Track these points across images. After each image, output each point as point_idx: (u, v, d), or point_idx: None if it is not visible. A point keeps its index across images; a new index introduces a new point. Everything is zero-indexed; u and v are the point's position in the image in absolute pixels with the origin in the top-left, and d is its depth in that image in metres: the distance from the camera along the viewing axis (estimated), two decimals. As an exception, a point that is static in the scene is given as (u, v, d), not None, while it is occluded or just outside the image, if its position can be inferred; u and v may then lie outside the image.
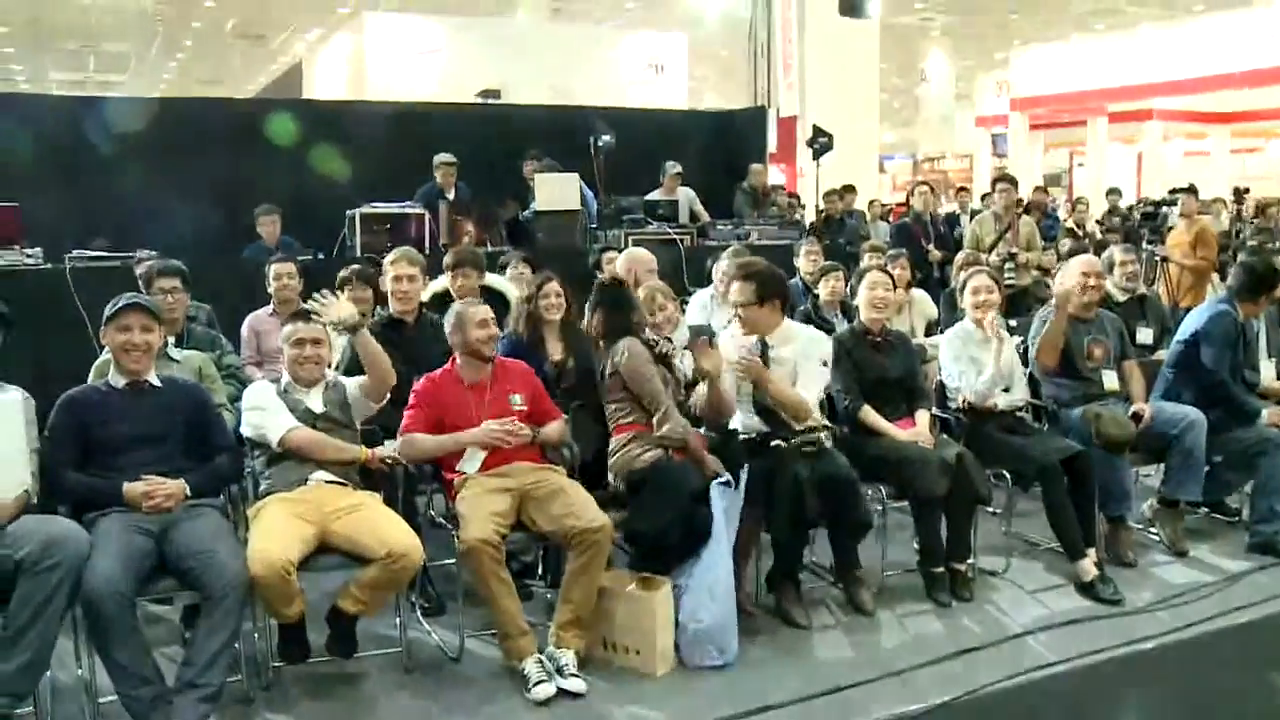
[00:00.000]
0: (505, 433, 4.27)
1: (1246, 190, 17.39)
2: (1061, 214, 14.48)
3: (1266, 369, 5.72)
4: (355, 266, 5.91)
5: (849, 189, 12.76)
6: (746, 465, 4.30)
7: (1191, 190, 9.99)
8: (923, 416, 4.98)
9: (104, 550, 3.52)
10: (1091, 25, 25.06)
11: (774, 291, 4.74)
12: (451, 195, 8.85)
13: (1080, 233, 12.05)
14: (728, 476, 4.23)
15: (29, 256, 6.59)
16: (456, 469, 4.29)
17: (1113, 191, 14.93)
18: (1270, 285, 5.63)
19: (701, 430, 4.62)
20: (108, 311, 4.02)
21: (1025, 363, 5.55)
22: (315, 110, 13.04)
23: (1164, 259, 9.42)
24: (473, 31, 20.66)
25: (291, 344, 4.28)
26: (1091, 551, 4.88)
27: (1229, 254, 10.02)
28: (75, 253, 6.68)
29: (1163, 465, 5.41)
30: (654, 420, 4.46)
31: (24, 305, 6.04)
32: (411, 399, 4.39)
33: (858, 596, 4.58)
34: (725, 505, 4.15)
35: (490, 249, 7.81)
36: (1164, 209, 10.65)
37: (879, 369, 5.03)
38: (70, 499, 3.81)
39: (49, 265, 6.61)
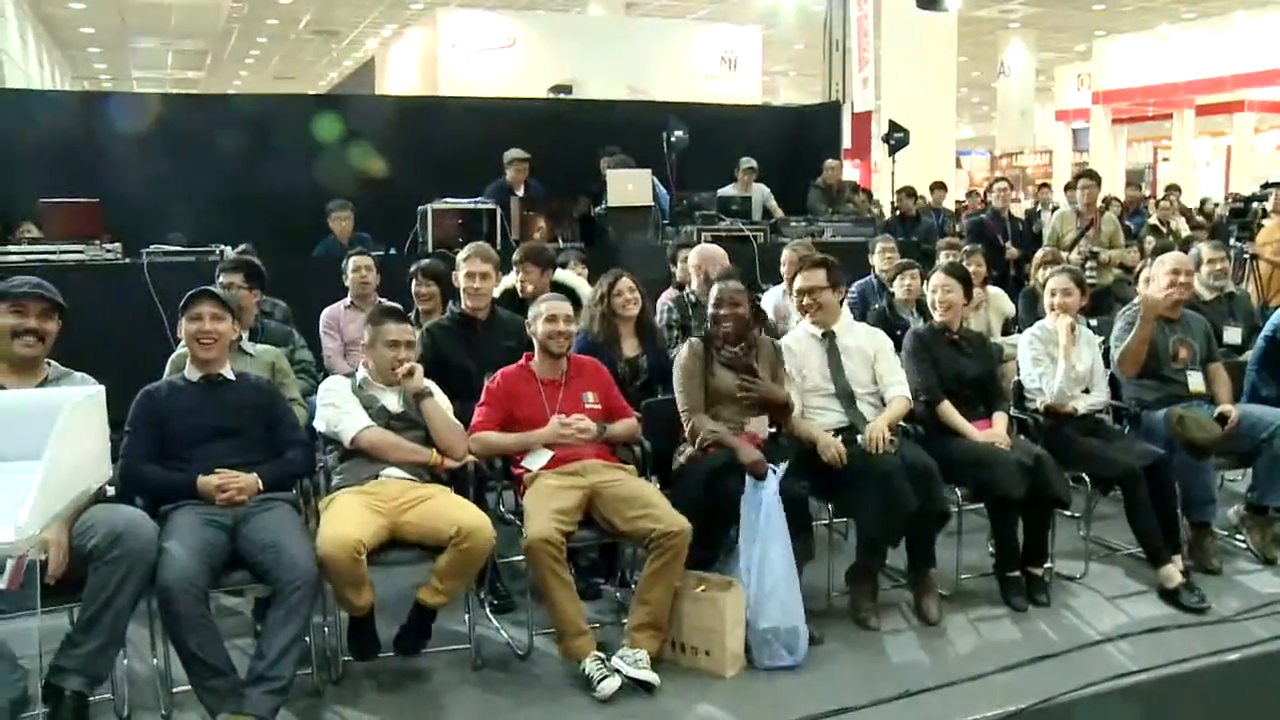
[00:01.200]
0: (572, 430, 4.25)
1: (1340, 185, 16.89)
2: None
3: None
4: (423, 263, 5.94)
5: (939, 185, 12.64)
6: (786, 461, 4.20)
7: (1281, 185, 9.69)
8: (1000, 418, 4.89)
9: (178, 543, 3.56)
10: (1180, 14, 24.48)
11: (840, 279, 4.82)
12: (522, 191, 8.85)
13: (1165, 230, 11.77)
14: (769, 467, 4.12)
15: (108, 251, 6.71)
16: (521, 464, 4.29)
17: (1172, 188, 14.50)
18: None
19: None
20: (182, 302, 4.08)
21: (1106, 364, 5.42)
22: (388, 105, 13.13)
23: (1253, 256, 9.16)
24: (545, 26, 20.76)
25: (387, 343, 4.28)
26: (1177, 558, 4.75)
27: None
28: (153, 248, 6.78)
29: (1250, 470, 5.25)
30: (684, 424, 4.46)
31: (102, 299, 6.21)
32: (483, 396, 4.39)
33: (925, 605, 4.48)
34: (765, 500, 4.06)
35: (562, 245, 7.80)
36: (1254, 204, 10.35)
37: (956, 368, 4.96)
38: (147, 492, 3.86)
39: (128, 260, 6.72)
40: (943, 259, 7.46)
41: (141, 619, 3.58)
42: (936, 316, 5.09)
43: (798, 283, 4.79)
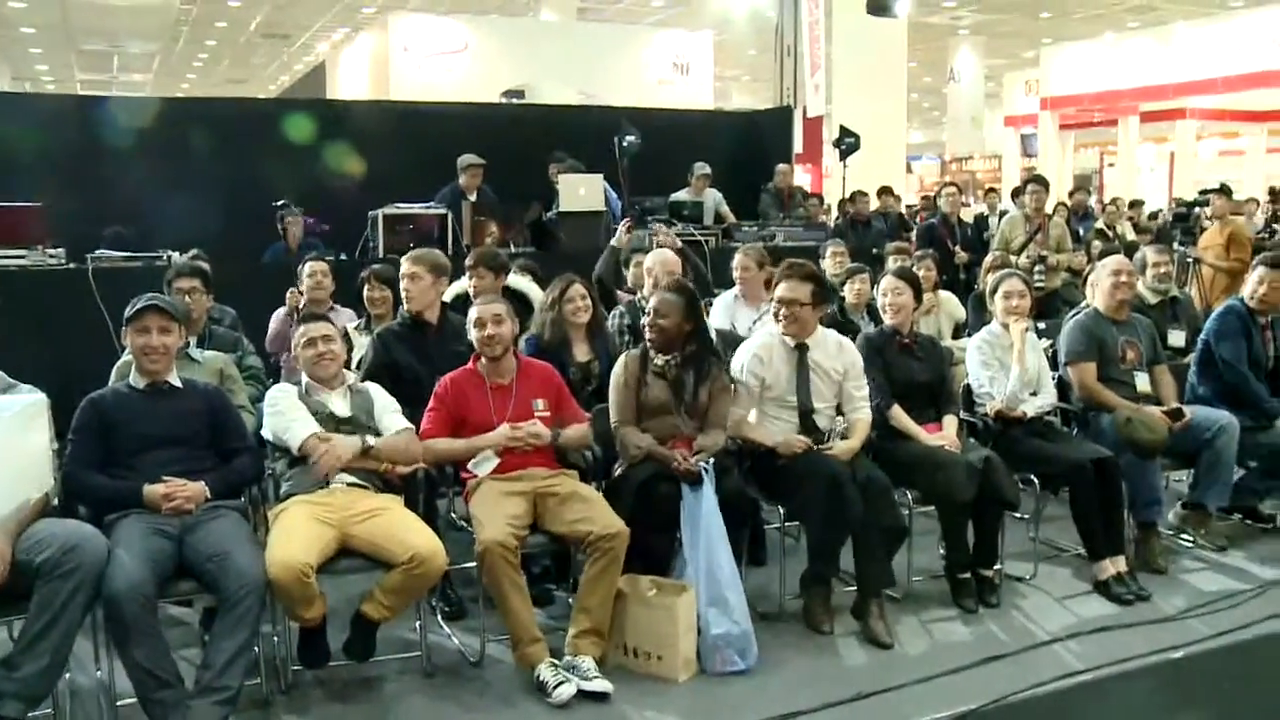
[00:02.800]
0: (524, 435, 4.24)
1: (1283, 190, 17.20)
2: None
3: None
4: (375, 267, 5.90)
5: (887, 190, 12.73)
6: (711, 463, 4.19)
7: (1224, 190, 9.85)
8: (950, 421, 4.94)
9: (125, 552, 3.51)
10: (1125, 23, 24.84)
11: (825, 299, 4.82)
12: (474, 197, 8.82)
13: (1111, 234, 11.93)
14: (700, 469, 4.13)
15: (51, 256, 6.60)
16: (469, 469, 4.28)
17: (1116, 200, 14.70)
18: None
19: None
20: (127, 313, 4.02)
21: (1054, 366, 5.49)
22: (338, 110, 13.04)
23: (1196, 260, 9.31)
24: (497, 31, 20.70)
25: (304, 345, 4.27)
26: (1120, 558, 4.82)
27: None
28: (98, 253, 6.68)
29: (1193, 470, 5.34)
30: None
31: (46, 305, 6.11)
32: (432, 401, 4.37)
33: (874, 629, 4.34)
34: (704, 506, 4.06)
35: (514, 250, 7.78)
36: (1196, 209, 10.52)
37: (908, 372, 4.99)
38: (91, 500, 3.81)
39: (72, 265, 6.61)
40: (891, 263, 7.54)
41: (85, 631, 3.51)
42: (887, 319, 5.11)
43: (780, 291, 4.70)
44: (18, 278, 6.36)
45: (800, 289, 4.66)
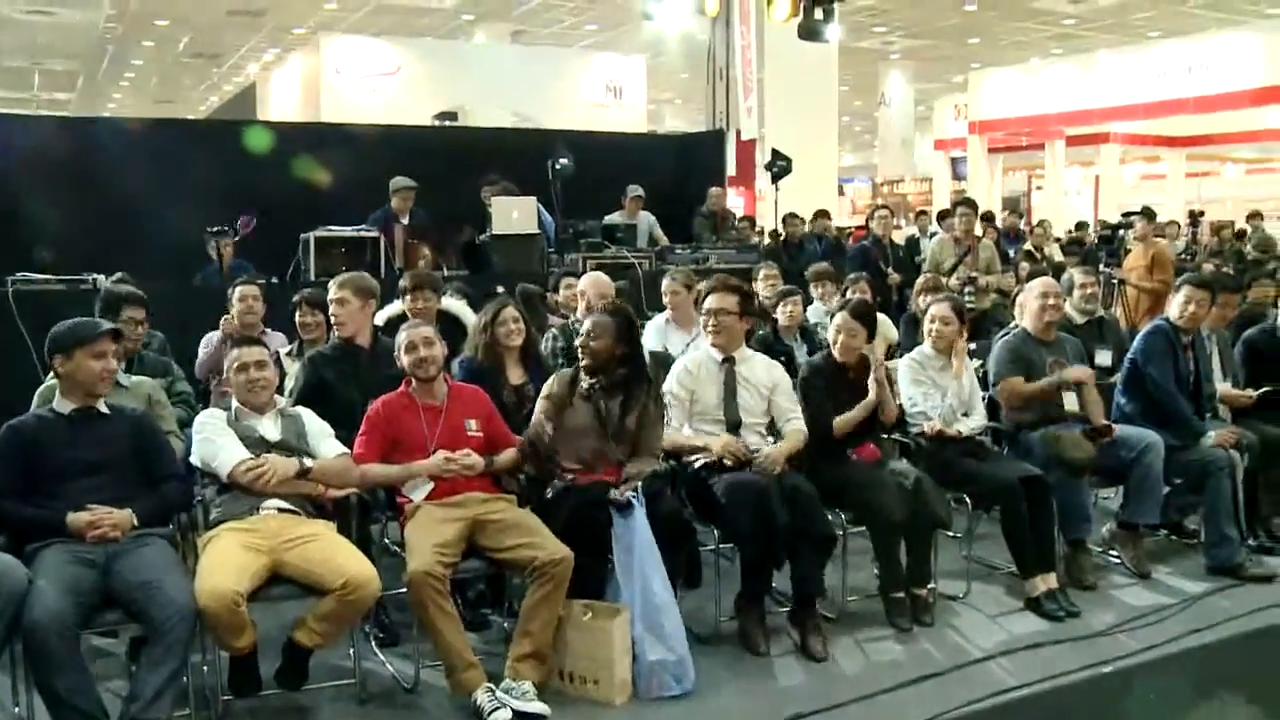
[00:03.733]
0: (459, 466, 4.21)
1: (1201, 213, 17.59)
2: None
3: (1221, 389, 5.78)
4: (307, 292, 5.84)
5: (822, 214, 12.83)
6: (639, 488, 4.18)
7: (1146, 213, 10.05)
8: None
9: (46, 581, 3.43)
10: (1049, 50, 25.36)
11: (749, 310, 4.91)
12: (407, 219, 8.76)
13: (1039, 256, 12.13)
14: (626, 498, 4.12)
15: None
16: (403, 494, 4.24)
17: (1043, 222, 14.91)
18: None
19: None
20: (74, 336, 3.90)
21: (984, 386, 5.55)
22: (270, 131, 12.89)
23: (1121, 281, 9.48)
24: (430, 53, 20.66)
25: (236, 369, 4.21)
26: (1051, 575, 4.88)
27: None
28: (19, 275, 6.53)
29: (1121, 488, 5.42)
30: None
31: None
32: (364, 424, 4.32)
33: (810, 643, 4.41)
34: (636, 531, 4.05)
35: (446, 273, 7.74)
36: (1121, 232, 10.71)
37: (849, 405, 4.96)
38: (13, 529, 3.71)
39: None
40: (814, 290, 7.54)
41: (4, 664, 3.43)
42: (836, 354, 5.06)
43: (708, 303, 4.84)
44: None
45: (727, 299, 4.80)
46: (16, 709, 3.56)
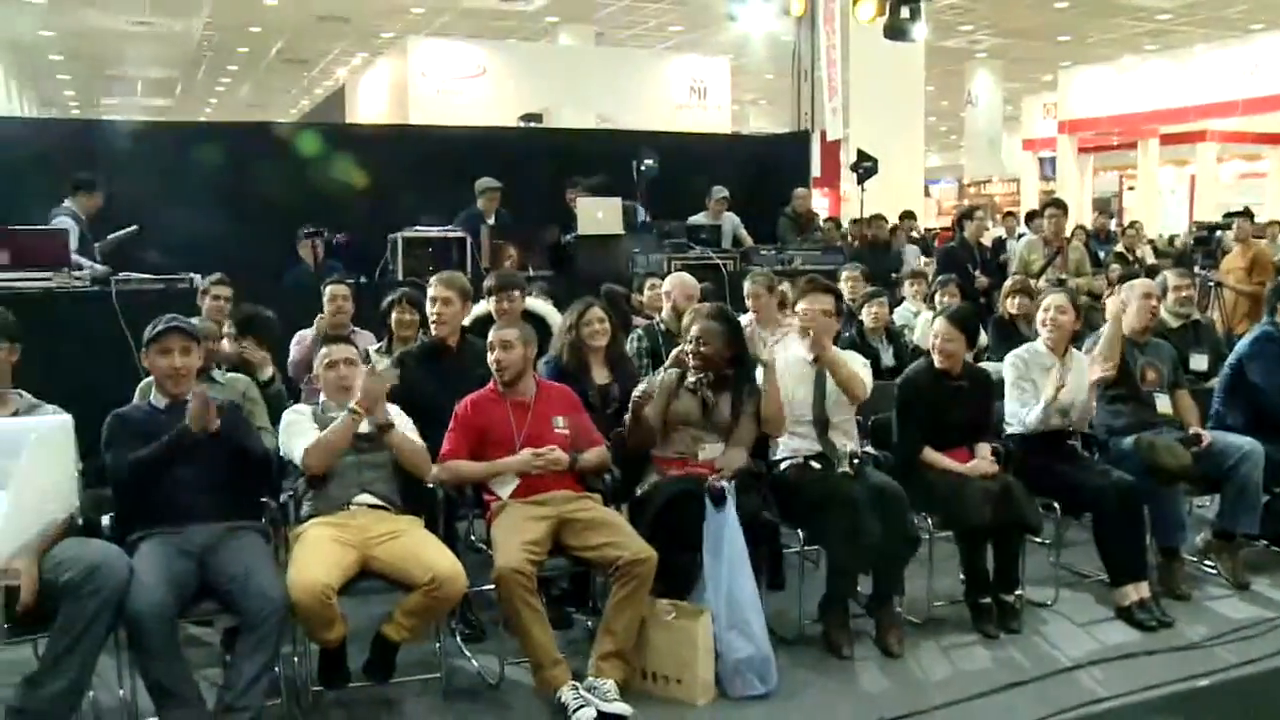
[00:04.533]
0: (544, 463, 4.25)
1: (1303, 213, 17.08)
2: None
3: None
4: (403, 289, 5.91)
5: (908, 215, 12.75)
6: (730, 483, 4.19)
7: (1247, 214, 9.81)
8: (983, 448, 4.90)
9: (147, 572, 3.54)
10: (1143, 46, 24.83)
11: (842, 311, 4.91)
12: (492, 221, 8.85)
13: (1131, 257, 11.89)
14: (720, 486, 4.13)
15: (77, 279, 6.65)
16: (491, 490, 4.29)
17: (1134, 224, 14.58)
18: None
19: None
20: (147, 334, 4.05)
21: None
22: (357, 134, 13.11)
23: (1218, 284, 9.27)
24: (515, 55, 20.83)
25: (326, 366, 4.32)
26: (1143, 584, 4.78)
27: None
28: (122, 275, 6.72)
29: (1217, 496, 5.30)
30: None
31: (71, 327, 6.15)
32: (452, 422, 4.38)
33: (887, 639, 4.44)
34: (727, 527, 4.06)
35: (531, 274, 7.79)
36: (1218, 233, 10.47)
37: (950, 412, 4.91)
38: (143, 472, 3.83)
39: (97, 287, 6.66)
40: (907, 288, 7.52)
41: (109, 650, 3.53)
42: (937, 361, 4.99)
43: (801, 305, 4.84)
44: (43, 300, 6.41)
45: (822, 300, 4.79)
46: (121, 692, 3.68)
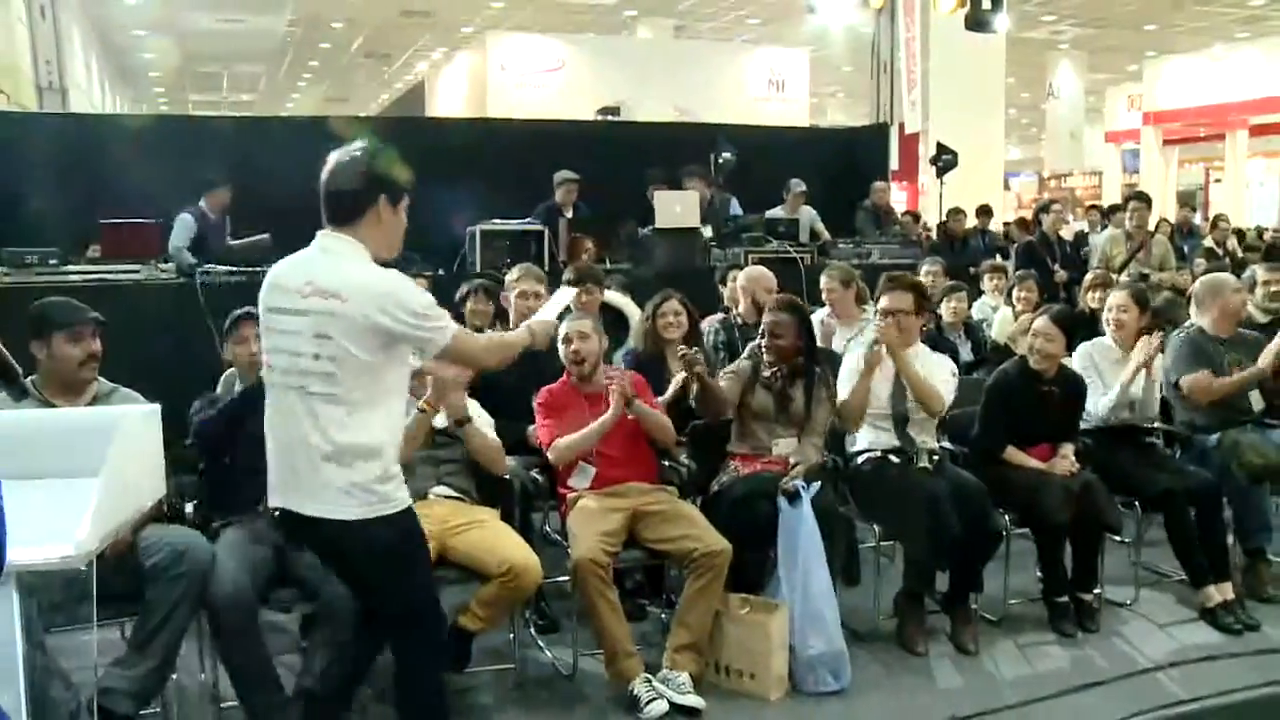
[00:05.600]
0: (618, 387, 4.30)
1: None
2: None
3: None
4: (479, 280, 5.97)
5: (984, 210, 12.61)
6: (814, 484, 4.19)
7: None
8: (1066, 448, 4.82)
9: (229, 559, 3.62)
10: (1234, 34, 24.23)
11: (926, 306, 4.85)
12: (570, 213, 8.89)
13: (1220, 252, 11.61)
14: (795, 486, 4.13)
15: (164, 271, 6.82)
16: (568, 484, 4.32)
17: (1220, 217, 14.20)
18: None
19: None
20: (227, 324, 4.17)
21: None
22: (437, 127, 13.23)
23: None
24: (593, 49, 20.92)
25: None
26: (1227, 585, 4.69)
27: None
28: (207, 268, 6.87)
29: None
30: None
31: (157, 318, 6.30)
32: (539, 412, 4.44)
33: (962, 636, 4.42)
34: (802, 523, 4.06)
35: (609, 266, 7.83)
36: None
37: (1039, 412, 4.84)
38: (222, 423, 3.95)
39: (182, 280, 6.81)
40: (987, 282, 7.46)
41: (191, 635, 3.62)
42: (1032, 363, 4.88)
43: (883, 303, 4.76)
44: (132, 291, 6.58)
45: (903, 299, 4.70)
46: (202, 676, 3.78)
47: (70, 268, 6.73)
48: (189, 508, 4.03)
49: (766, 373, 4.57)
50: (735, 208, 9.47)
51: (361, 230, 3.08)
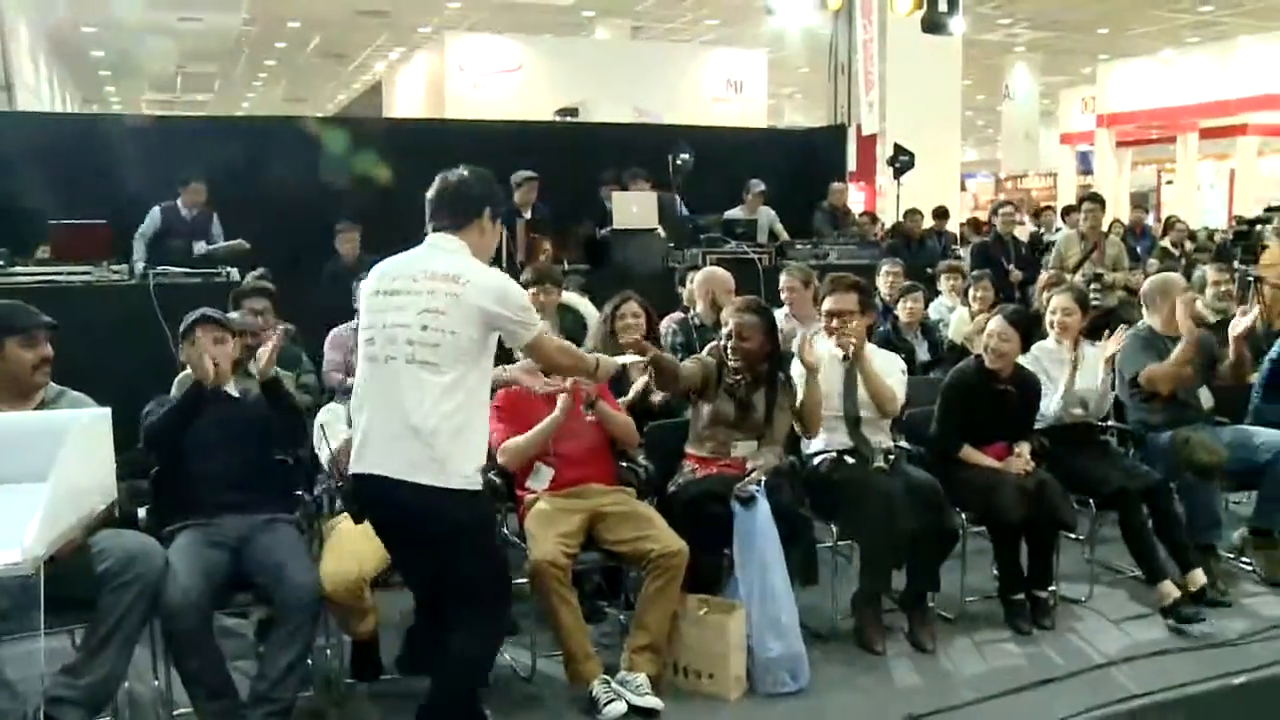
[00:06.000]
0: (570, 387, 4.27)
1: (1345, 208, 16.82)
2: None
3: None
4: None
5: (941, 212, 12.70)
6: (763, 482, 4.18)
7: (1291, 208, 9.65)
8: (1022, 447, 4.87)
9: (182, 563, 3.59)
10: (1185, 39, 24.55)
11: (870, 306, 4.82)
12: (529, 214, 8.86)
13: (1177, 253, 11.77)
14: (750, 491, 4.12)
15: (115, 272, 6.72)
16: (526, 485, 4.30)
17: (1173, 218, 14.41)
18: None
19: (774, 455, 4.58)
20: (182, 326, 4.14)
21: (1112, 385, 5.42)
22: (395, 128, 13.16)
23: (1258, 279, 9.15)
24: (552, 50, 20.86)
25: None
26: (1197, 572, 4.75)
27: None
28: (160, 269, 6.79)
29: (1254, 493, 5.25)
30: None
31: (108, 321, 6.21)
32: (493, 415, 4.38)
33: (919, 634, 4.44)
34: (758, 525, 4.05)
35: (567, 267, 7.81)
36: (1258, 227, 10.34)
37: (993, 413, 4.89)
38: (158, 434, 3.96)
39: (134, 281, 6.73)
40: (944, 283, 7.51)
41: (144, 641, 3.57)
42: (987, 362, 4.92)
43: (827, 304, 4.77)
44: (83, 293, 6.49)
45: (848, 300, 4.71)
46: (156, 683, 3.72)
47: (18, 269, 6.62)
48: (141, 512, 3.98)
49: (730, 379, 4.53)
50: (682, 208, 9.45)
51: (468, 235, 3.46)
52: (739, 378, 4.52)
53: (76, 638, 3.51)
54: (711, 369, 4.56)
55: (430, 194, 3.53)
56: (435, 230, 3.48)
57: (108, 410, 3.69)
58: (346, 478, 3.41)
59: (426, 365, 3.24)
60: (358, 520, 3.41)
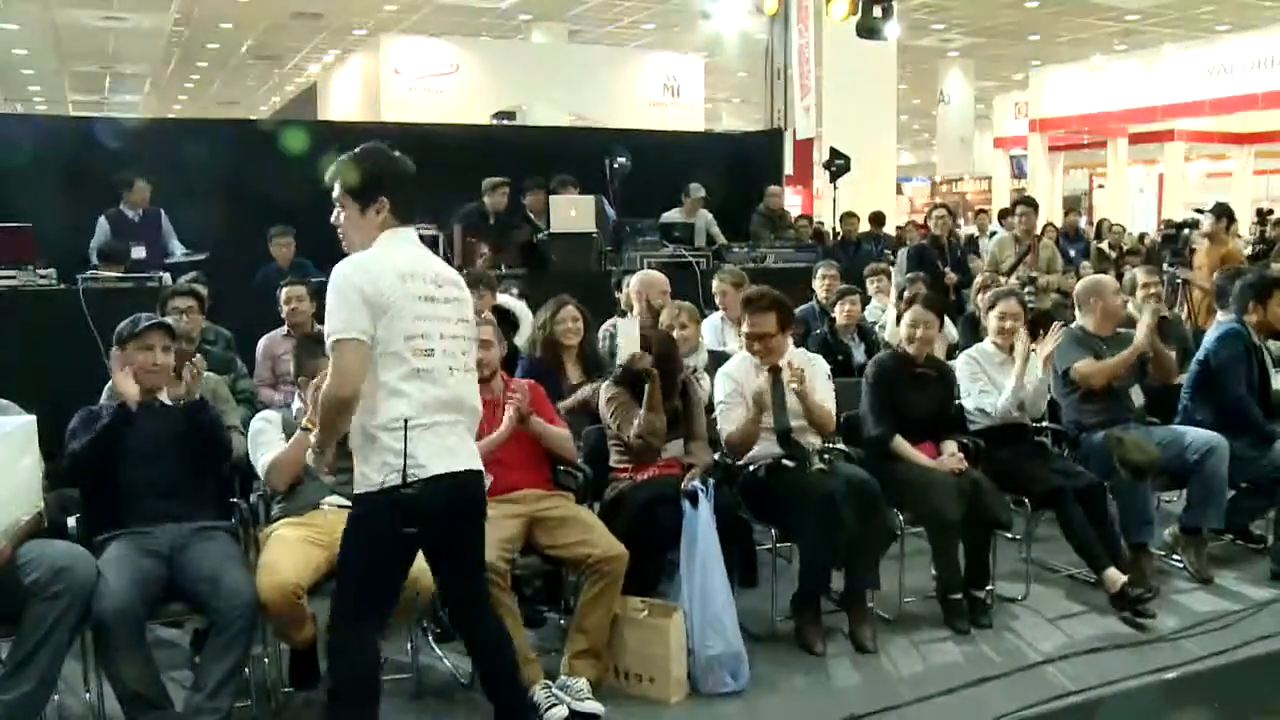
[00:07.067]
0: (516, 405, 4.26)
1: (1270, 211, 17.24)
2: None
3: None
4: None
5: (877, 218, 12.83)
6: (712, 481, 4.23)
7: (1218, 210, 9.77)
8: (949, 445, 4.92)
9: (114, 573, 3.51)
10: (1113, 46, 25.00)
11: (790, 319, 4.80)
12: (492, 220, 8.88)
13: (1113, 255, 11.95)
14: (693, 487, 4.15)
15: (41, 277, 6.57)
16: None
17: (1103, 221, 14.74)
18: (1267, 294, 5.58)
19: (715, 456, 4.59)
20: (126, 329, 4.02)
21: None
22: (330, 131, 13.01)
23: (1186, 282, 9.32)
24: (488, 53, 20.81)
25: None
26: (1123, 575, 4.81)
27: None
28: (89, 273, 6.66)
29: (1184, 491, 5.34)
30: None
31: (35, 326, 6.09)
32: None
33: (860, 633, 4.45)
34: (701, 526, 4.06)
35: (504, 271, 7.78)
36: (1185, 230, 10.53)
37: (915, 400, 4.95)
38: (87, 456, 3.86)
39: (62, 286, 6.59)
40: (871, 285, 7.57)
41: (74, 653, 3.51)
42: (909, 349, 5.01)
43: (746, 326, 4.73)
44: (6, 297, 6.34)
45: (766, 321, 4.68)
46: (87, 695, 3.65)
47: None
48: (71, 521, 3.89)
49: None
50: (610, 211, 9.44)
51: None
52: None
53: (3, 651, 3.43)
54: (626, 394, 4.56)
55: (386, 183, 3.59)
56: (403, 224, 3.51)
57: (33, 418, 3.62)
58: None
59: (470, 367, 3.41)
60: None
